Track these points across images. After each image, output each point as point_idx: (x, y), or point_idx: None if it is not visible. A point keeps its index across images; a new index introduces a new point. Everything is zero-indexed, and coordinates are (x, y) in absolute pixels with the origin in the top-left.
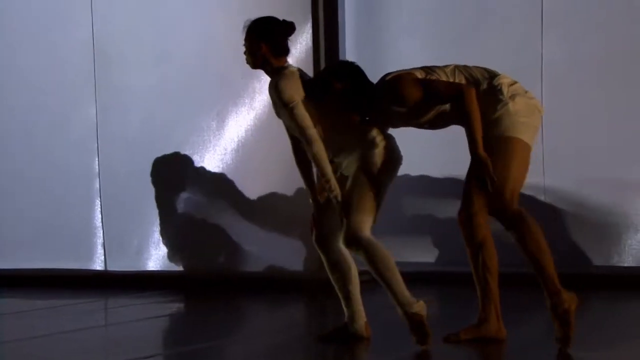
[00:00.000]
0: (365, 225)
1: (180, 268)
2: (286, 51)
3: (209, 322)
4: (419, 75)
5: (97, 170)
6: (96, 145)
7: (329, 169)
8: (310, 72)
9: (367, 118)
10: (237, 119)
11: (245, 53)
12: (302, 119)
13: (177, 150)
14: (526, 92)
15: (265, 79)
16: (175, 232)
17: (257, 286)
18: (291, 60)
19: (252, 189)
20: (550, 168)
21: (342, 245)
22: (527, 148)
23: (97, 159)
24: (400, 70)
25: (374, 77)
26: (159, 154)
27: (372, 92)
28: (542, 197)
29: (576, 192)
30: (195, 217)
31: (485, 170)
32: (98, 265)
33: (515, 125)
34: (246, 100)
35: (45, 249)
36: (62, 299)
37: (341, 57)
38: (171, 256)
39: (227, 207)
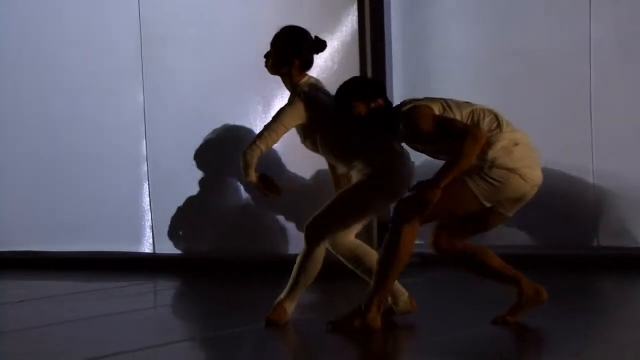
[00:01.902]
0: (327, 231)
1: (227, 252)
2: (311, 67)
3: (257, 304)
4: (437, 109)
5: (145, 154)
6: (144, 129)
7: (251, 172)
8: (356, 55)
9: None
10: (283, 102)
11: (269, 57)
12: (273, 130)
13: (223, 134)
14: (522, 158)
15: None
16: (223, 216)
17: None
18: (337, 43)
19: (299, 173)
20: (599, 150)
21: (351, 238)
22: (467, 196)
23: (145, 143)
24: (419, 100)
25: (421, 57)
26: (206, 138)
27: (394, 115)
28: (590, 179)
29: (625, 174)
30: (242, 201)
31: (427, 200)
32: (147, 248)
33: (474, 177)
34: None
35: (95, 232)
36: (112, 282)
37: (387, 39)
38: (218, 240)
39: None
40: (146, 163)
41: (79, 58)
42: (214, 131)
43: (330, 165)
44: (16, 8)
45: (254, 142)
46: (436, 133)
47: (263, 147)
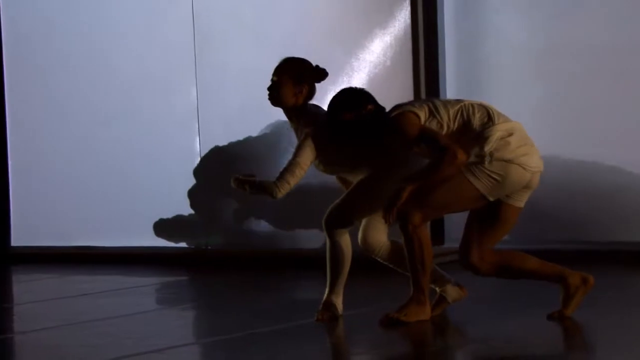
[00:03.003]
0: (343, 220)
1: (280, 246)
2: (314, 95)
3: (305, 301)
4: (423, 115)
5: (198, 150)
6: (197, 125)
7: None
8: (408, 50)
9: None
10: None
11: (273, 88)
12: (301, 160)
13: (275, 130)
14: (518, 147)
15: (362, 56)
16: (275, 211)
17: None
18: (390, 38)
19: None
20: None
21: (383, 239)
22: (472, 193)
23: (198, 139)
24: (407, 105)
25: (474, 52)
26: (258, 134)
27: (382, 120)
28: None
29: None
30: (295, 197)
31: (394, 200)
32: (203, 243)
33: (476, 172)
34: (344, 79)
35: (149, 228)
36: (167, 276)
37: (440, 34)
38: (269, 234)
39: (324, 185)
40: (199, 159)
41: (132, 55)
42: (267, 127)
43: (339, 178)
44: (71, 5)
45: (283, 180)
46: (420, 141)
47: (292, 183)
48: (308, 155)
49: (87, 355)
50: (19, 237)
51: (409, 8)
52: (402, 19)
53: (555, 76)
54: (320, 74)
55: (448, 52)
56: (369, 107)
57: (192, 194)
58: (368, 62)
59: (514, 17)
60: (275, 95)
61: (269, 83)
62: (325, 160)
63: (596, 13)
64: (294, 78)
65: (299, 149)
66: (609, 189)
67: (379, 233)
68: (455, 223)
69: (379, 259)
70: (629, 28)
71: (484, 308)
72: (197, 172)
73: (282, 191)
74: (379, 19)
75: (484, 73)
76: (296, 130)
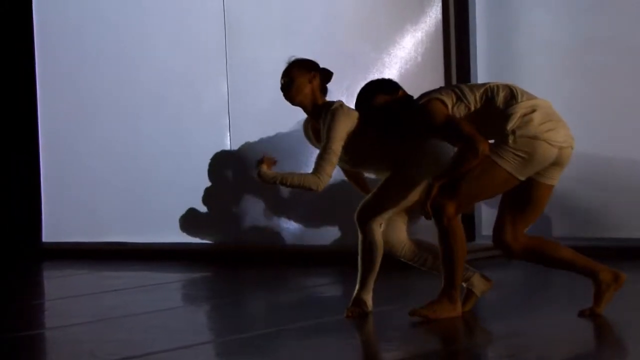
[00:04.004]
0: (375, 212)
1: (308, 242)
2: (326, 90)
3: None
4: (450, 102)
5: (229, 146)
6: (228, 120)
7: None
8: (440, 46)
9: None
10: None
11: (286, 85)
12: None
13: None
14: (542, 123)
15: (393, 53)
16: (309, 208)
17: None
18: (420, 34)
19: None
20: None
21: (403, 237)
22: (501, 175)
23: (228, 135)
24: (434, 93)
25: (505, 48)
26: (289, 130)
27: (412, 106)
28: None
29: None
30: (327, 193)
31: (429, 198)
32: (230, 240)
33: (502, 154)
34: (375, 74)
35: (175, 224)
36: (194, 272)
37: (471, 30)
38: (302, 231)
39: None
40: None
41: (163, 49)
42: (298, 122)
43: (351, 177)
44: (101, 2)
45: (322, 170)
46: (445, 130)
47: (330, 172)
48: (341, 135)
49: (116, 351)
50: (50, 234)
51: (440, 4)
52: (433, 14)
53: (588, 72)
54: (327, 70)
55: (479, 48)
56: (400, 92)
57: (219, 190)
58: (399, 58)
59: (546, 13)
60: (291, 89)
61: None
62: (352, 153)
63: (628, 8)
64: (303, 68)
65: (329, 131)
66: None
67: (399, 232)
68: (486, 220)
69: (401, 259)
70: None
71: (513, 305)
72: (225, 168)
73: (324, 183)
74: (410, 14)
75: (516, 69)
76: (318, 132)
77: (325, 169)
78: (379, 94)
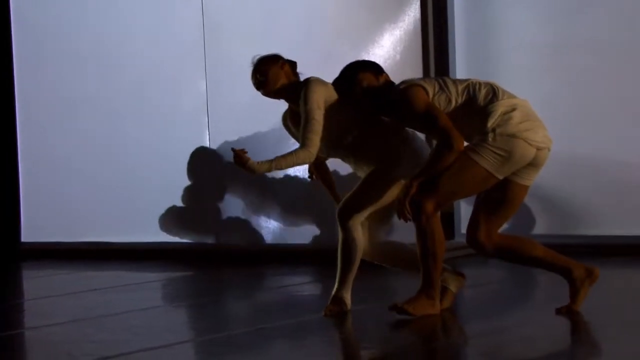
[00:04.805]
0: (356, 210)
1: (289, 241)
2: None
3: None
4: (431, 90)
5: (208, 144)
6: (207, 119)
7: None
8: (418, 45)
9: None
10: None
11: (262, 82)
12: (315, 123)
13: None
14: (521, 122)
15: (372, 51)
16: (288, 207)
17: None
18: (399, 32)
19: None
20: None
21: (379, 240)
22: (480, 173)
23: (207, 133)
24: (416, 80)
25: (484, 47)
26: (268, 128)
27: (390, 91)
28: None
29: None
30: (306, 192)
31: (405, 198)
32: (210, 239)
33: (482, 152)
34: None
35: (159, 223)
36: (174, 272)
37: (450, 29)
38: (281, 230)
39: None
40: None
41: (142, 48)
42: (276, 122)
43: (325, 183)
44: (81, 2)
45: (310, 142)
46: (423, 118)
47: (317, 142)
48: (319, 103)
49: (96, 351)
50: (28, 234)
51: (418, 3)
52: (412, 13)
53: (565, 72)
54: (290, 60)
55: (458, 47)
56: (384, 75)
57: (199, 188)
58: (378, 57)
59: (524, 13)
60: (268, 82)
61: None
62: (329, 130)
63: (606, 8)
64: (270, 61)
65: (307, 102)
66: (619, 183)
67: (372, 235)
68: (465, 218)
69: (374, 262)
70: (639, 24)
71: (492, 303)
72: (205, 166)
73: (314, 153)
74: (389, 13)
75: (494, 68)
76: (298, 120)
77: (313, 139)
78: (363, 72)
